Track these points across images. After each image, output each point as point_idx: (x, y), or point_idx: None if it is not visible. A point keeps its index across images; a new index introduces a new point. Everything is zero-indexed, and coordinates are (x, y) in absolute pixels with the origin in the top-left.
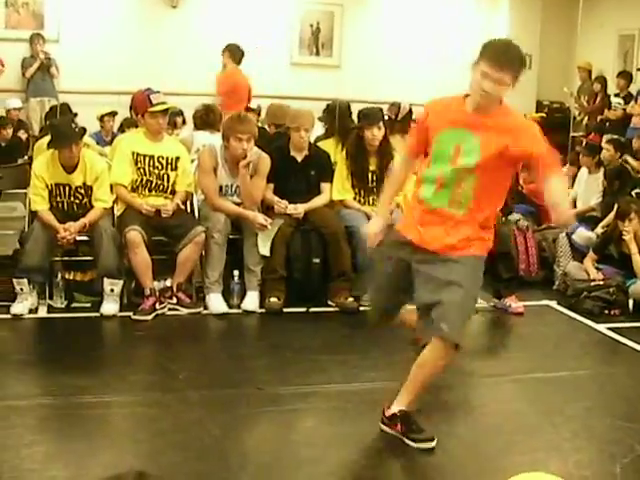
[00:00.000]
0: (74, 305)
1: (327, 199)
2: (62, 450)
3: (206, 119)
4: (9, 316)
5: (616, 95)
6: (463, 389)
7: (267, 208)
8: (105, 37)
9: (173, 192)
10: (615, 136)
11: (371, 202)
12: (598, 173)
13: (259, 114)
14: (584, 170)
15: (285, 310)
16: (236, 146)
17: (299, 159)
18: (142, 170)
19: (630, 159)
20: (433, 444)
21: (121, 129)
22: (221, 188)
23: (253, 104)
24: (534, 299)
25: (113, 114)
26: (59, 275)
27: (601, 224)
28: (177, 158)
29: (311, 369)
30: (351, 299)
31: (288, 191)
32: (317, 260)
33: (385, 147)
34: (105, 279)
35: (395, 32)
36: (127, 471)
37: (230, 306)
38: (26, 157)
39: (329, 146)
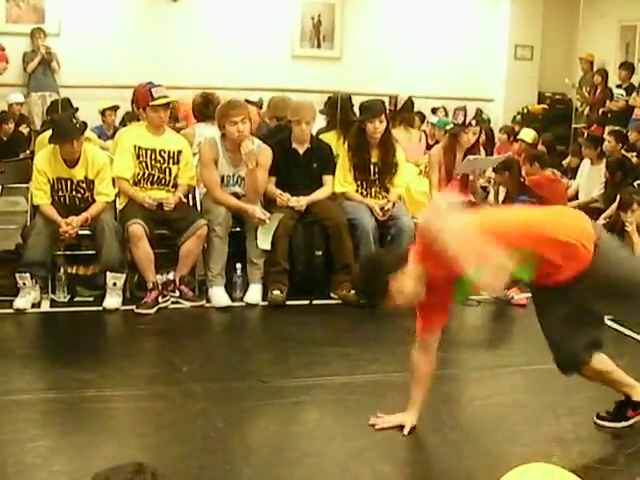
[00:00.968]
0: (77, 299)
1: (329, 192)
2: (66, 444)
3: (206, 111)
4: (12, 310)
5: (618, 86)
6: (466, 381)
7: (269, 201)
8: (106, 31)
9: (175, 185)
10: (617, 128)
11: (373, 194)
12: (600, 164)
13: (261, 107)
14: (586, 161)
15: (288, 303)
16: (232, 130)
17: (301, 152)
18: (144, 164)
19: (627, 154)
20: None
21: (123, 123)
22: (223, 178)
23: (255, 97)
24: None
25: (115, 108)
26: (62, 269)
27: (603, 215)
28: (179, 151)
29: (314, 362)
30: (353, 292)
31: (290, 184)
32: (319, 253)
33: (387, 139)
34: (108, 273)
35: (396, 24)
36: (127, 463)
37: (233, 299)
38: (28, 152)
39: (331, 139)
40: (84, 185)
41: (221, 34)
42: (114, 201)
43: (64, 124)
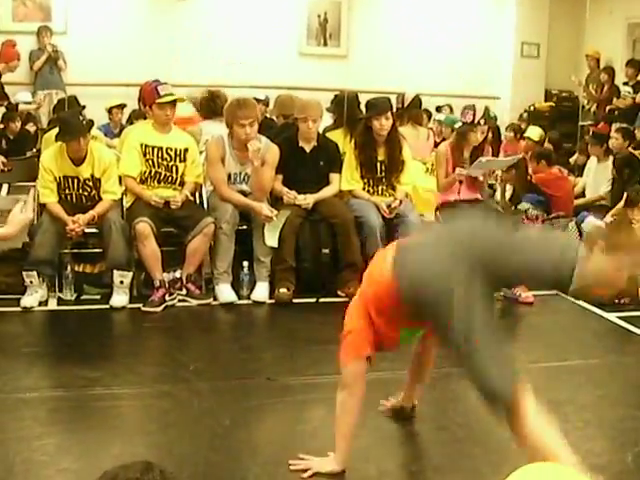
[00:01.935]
0: (84, 297)
1: (336, 189)
2: (73, 442)
3: (213, 107)
4: (19, 309)
5: (625, 84)
6: None
7: (276, 199)
8: (113, 29)
9: (182, 183)
10: (624, 125)
11: (380, 192)
12: (607, 162)
13: (267, 105)
14: (593, 159)
15: (295, 301)
16: (239, 132)
17: (308, 150)
18: (151, 162)
19: (634, 152)
20: None
21: (129, 121)
22: (230, 176)
23: (261, 95)
24: None
25: (122, 106)
26: (68, 267)
27: (610, 213)
28: (186, 149)
29: (321, 359)
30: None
31: (297, 182)
32: (326, 250)
33: (394, 137)
34: (114, 271)
35: (402, 22)
36: (135, 461)
37: (240, 297)
38: (34, 150)
39: (338, 136)
40: (91, 183)
41: (228, 31)
42: (121, 199)
43: (70, 122)
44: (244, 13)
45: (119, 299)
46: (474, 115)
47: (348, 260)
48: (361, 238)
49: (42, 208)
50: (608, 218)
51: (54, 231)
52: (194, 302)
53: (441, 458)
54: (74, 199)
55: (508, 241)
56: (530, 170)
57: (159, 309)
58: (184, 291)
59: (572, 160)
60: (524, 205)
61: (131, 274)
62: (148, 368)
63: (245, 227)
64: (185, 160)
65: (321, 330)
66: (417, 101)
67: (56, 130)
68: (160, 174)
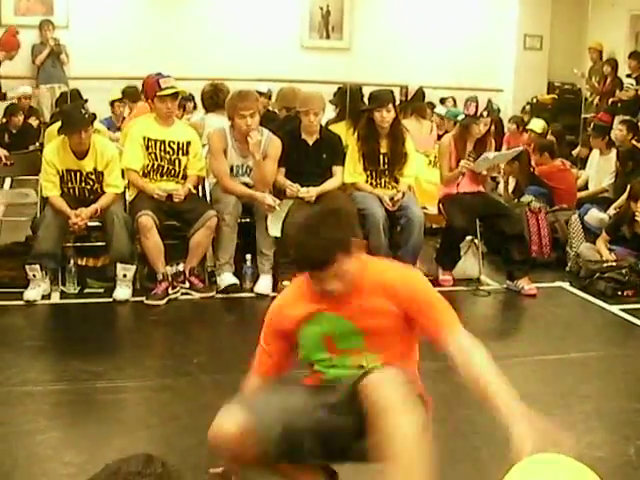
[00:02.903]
0: (87, 291)
1: (339, 182)
2: (76, 435)
3: (216, 99)
4: (22, 302)
5: (628, 76)
6: None
7: (279, 192)
8: (115, 22)
9: (185, 177)
10: (627, 117)
11: (383, 185)
12: (609, 154)
13: (270, 98)
14: (596, 152)
15: None
16: (240, 123)
17: (310, 142)
18: (153, 155)
19: (637, 144)
20: None
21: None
22: (232, 169)
23: (264, 88)
24: (546, 281)
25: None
26: (71, 261)
27: (614, 205)
28: (188, 143)
29: None
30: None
31: (300, 174)
32: None
33: (396, 129)
34: (117, 264)
35: (405, 14)
36: (137, 454)
37: (243, 290)
38: (37, 144)
39: (340, 129)
40: (93, 177)
41: (230, 25)
42: (124, 193)
43: (73, 115)
44: (247, 6)
45: (122, 292)
46: (477, 107)
47: None
48: (364, 231)
49: (45, 202)
50: (611, 211)
51: (57, 225)
52: (197, 295)
53: (444, 451)
54: (77, 192)
55: None
56: (533, 162)
57: (162, 302)
58: (187, 284)
59: (575, 152)
60: (527, 197)
61: (134, 267)
62: (151, 361)
63: (248, 220)
64: (188, 153)
65: None
66: (420, 94)
67: (59, 124)
68: (163, 167)
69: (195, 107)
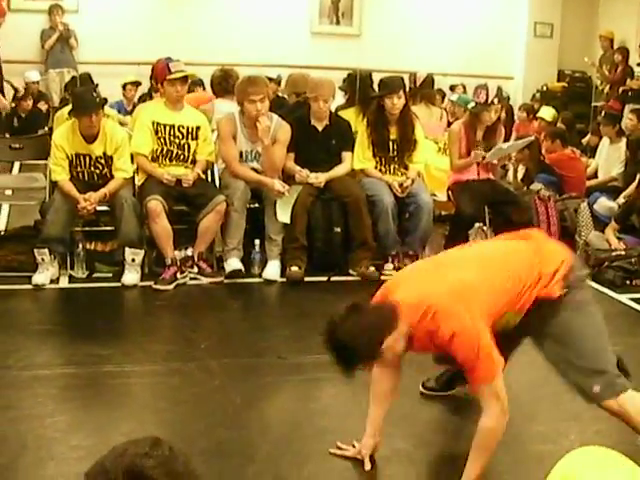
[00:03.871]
0: (95, 275)
1: (348, 168)
2: (84, 419)
3: (225, 85)
4: (31, 286)
5: (638, 65)
6: None
7: (288, 177)
8: (124, 7)
9: (194, 162)
10: (638, 106)
11: (392, 171)
12: (619, 143)
13: (279, 84)
14: (605, 140)
15: (306, 279)
16: (250, 108)
17: (320, 128)
18: (163, 140)
19: None
20: None
21: (142, 99)
22: (241, 154)
23: (273, 74)
24: None
25: (136, 84)
26: (80, 245)
27: (623, 194)
28: (197, 127)
29: None
30: (372, 268)
31: (309, 160)
32: (338, 229)
33: (406, 116)
34: (126, 249)
35: (415, 1)
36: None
37: (251, 275)
38: (46, 128)
39: (350, 115)
40: (102, 161)
41: (241, 11)
42: (133, 177)
43: (84, 97)
44: None
45: (130, 277)
46: (487, 94)
47: (360, 239)
48: (373, 217)
49: (54, 186)
50: (620, 199)
51: (66, 209)
52: (205, 280)
53: (453, 439)
54: (86, 177)
55: None
56: (543, 150)
57: (170, 287)
58: (195, 269)
59: (584, 141)
60: (536, 185)
61: (143, 252)
62: (159, 346)
63: (257, 205)
64: (197, 138)
65: (332, 309)
66: (430, 80)
67: (68, 108)
68: (172, 152)
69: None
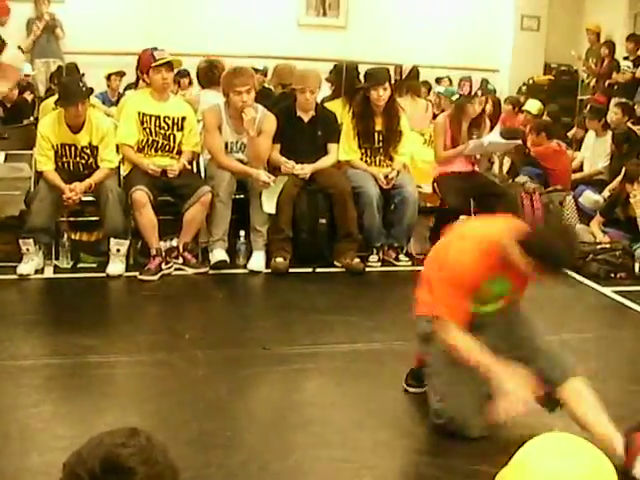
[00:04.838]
0: (80, 265)
1: (334, 159)
2: (69, 409)
3: (211, 76)
4: (15, 276)
5: (625, 58)
6: None
7: (273, 168)
8: None
9: (179, 152)
10: (623, 100)
11: (377, 163)
12: (605, 136)
13: (265, 75)
14: (591, 133)
15: (291, 270)
16: (236, 99)
17: (306, 119)
18: (148, 130)
19: (633, 127)
20: None
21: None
22: (226, 145)
23: (259, 64)
24: None
25: (120, 74)
26: (65, 235)
27: (608, 187)
28: (183, 118)
29: (317, 329)
30: (357, 260)
31: (295, 151)
32: (323, 220)
33: (392, 107)
34: (111, 239)
35: None
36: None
37: (236, 266)
38: (32, 118)
39: (336, 107)
40: (88, 151)
41: (227, 1)
42: (118, 167)
43: (70, 87)
44: None
45: (115, 267)
46: (471, 87)
47: (345, 230)
48: (358, 209)
49: (39, 176)
50: (605, 193)
51: (51, 199)
52: (190, 271)
53: (436, 430)
54: (71, 167)
55: None
56: (529, 143)
57: (155, 278)
58: (180, 260)
59: (570, 134)
60: (522, 178)
61: (128, 242)
62: (144, 336)
63: (242, 196)
64: (183, 129)
65: (317, 300)
66: (415, 72)
67: (54, 98)
68: (157, 142)
69: (190, 83)
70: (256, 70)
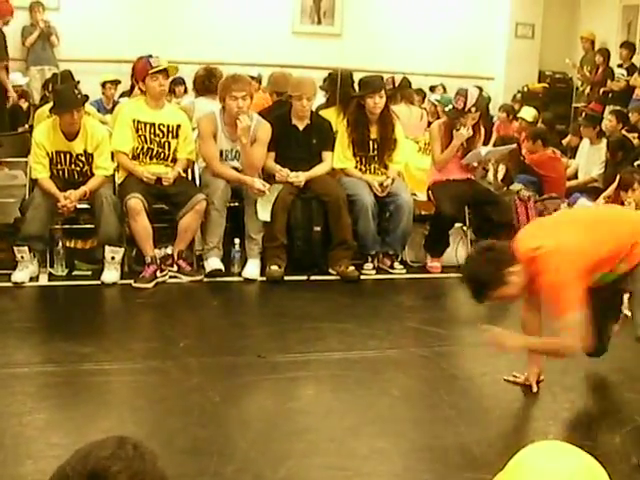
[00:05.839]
0: (75, 273)
1: (328, 167)
2: (63, 417)
3: (208, 84)
4: (10, 284)
5: (619, 66)
6: (463, 357)
7: (268, 176)
8: (105, 5)
9: (174, 160)
10: (618, 107)
11: (372, 170)
12: (600, 144)
13: (260, 82)
14: (586, 141)
15: (286, 278)
16: (231, 105)
17: (300, 127)
18: (143, 138)
19: (627, 135)
20: None
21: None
22: (221, 153)
23: (254, 72)
24: None
25: (116, 82)
26: (60, 243)
27: (603, 195)
28: (178, 126)
29: (311, 337)
30: (352, 267)
31: (289, 159)
32: (318, 228)
33: (386, 115)
34: (106, 247)
35: (397, 1)
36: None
37: (231, 274)
38: (27, 125)
39: (331, 115)
40: (83, 159)
41: (222, 9)
42: (113, 175)
43: (65, 94)
44: None
45: (110, 275)
46: (465, 102)
47: (339, 238)
48: (353, 216)
49: (34, 183)
50: (600, 200)
51: (46, 207)
52: (185, 279)
53: (431, 437)
54: (66, 174)
55: None
56: (524, 150)
57: (150, 285)
58: (175, 268)
59: (565, 142)
60: (516, 186)
61: (122, 250)
62: (138, 344)
63: (237, 204)
64: (177, 136)
65: (312, 308)
66: (406, 83)
67: (48, 105)
68: (152, 150)
69: (186, 91)
70: (251, 78)
